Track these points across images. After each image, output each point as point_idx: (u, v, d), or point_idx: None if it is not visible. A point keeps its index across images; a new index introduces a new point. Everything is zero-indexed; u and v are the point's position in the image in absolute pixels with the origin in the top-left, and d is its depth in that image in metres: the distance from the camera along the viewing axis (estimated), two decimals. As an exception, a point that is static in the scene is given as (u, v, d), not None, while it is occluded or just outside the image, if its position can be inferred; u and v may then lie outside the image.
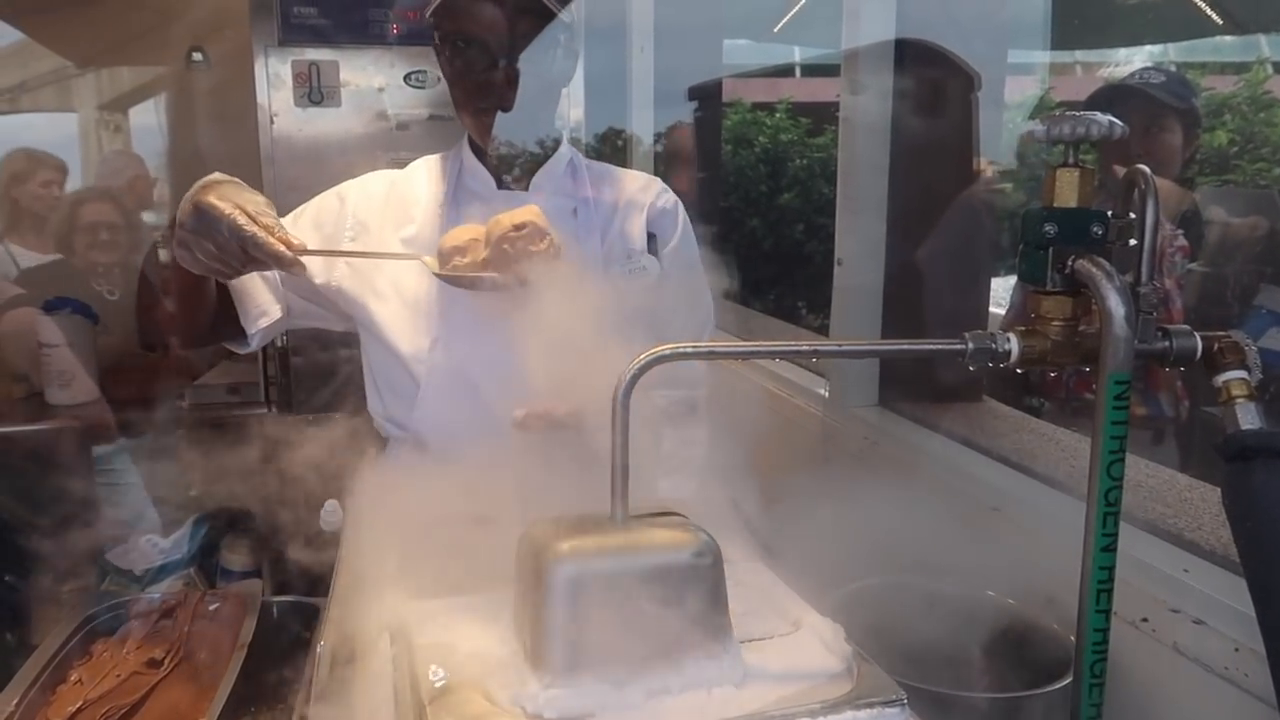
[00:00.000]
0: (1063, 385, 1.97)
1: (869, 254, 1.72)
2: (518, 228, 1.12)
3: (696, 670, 0.79)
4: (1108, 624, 0.82)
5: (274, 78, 2.67)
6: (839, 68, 1.78)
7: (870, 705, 0.77)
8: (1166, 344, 0.85)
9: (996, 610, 1.14)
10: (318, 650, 0.87)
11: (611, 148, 4.05)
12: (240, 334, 1.34)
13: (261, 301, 1.34)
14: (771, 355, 1.20)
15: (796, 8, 4.98)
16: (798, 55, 7.49)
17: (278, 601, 1.15)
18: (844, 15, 1.72)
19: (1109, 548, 0.81)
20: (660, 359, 0.83)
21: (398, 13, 2.73)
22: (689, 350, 0.89)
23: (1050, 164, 0.87)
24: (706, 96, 3.36)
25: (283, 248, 1.08)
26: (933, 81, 1.64)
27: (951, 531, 1.25)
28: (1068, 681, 0.96)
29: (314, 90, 2.69)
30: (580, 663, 0.77)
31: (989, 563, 1.20)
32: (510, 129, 1.40)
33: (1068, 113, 0.85)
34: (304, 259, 1.14)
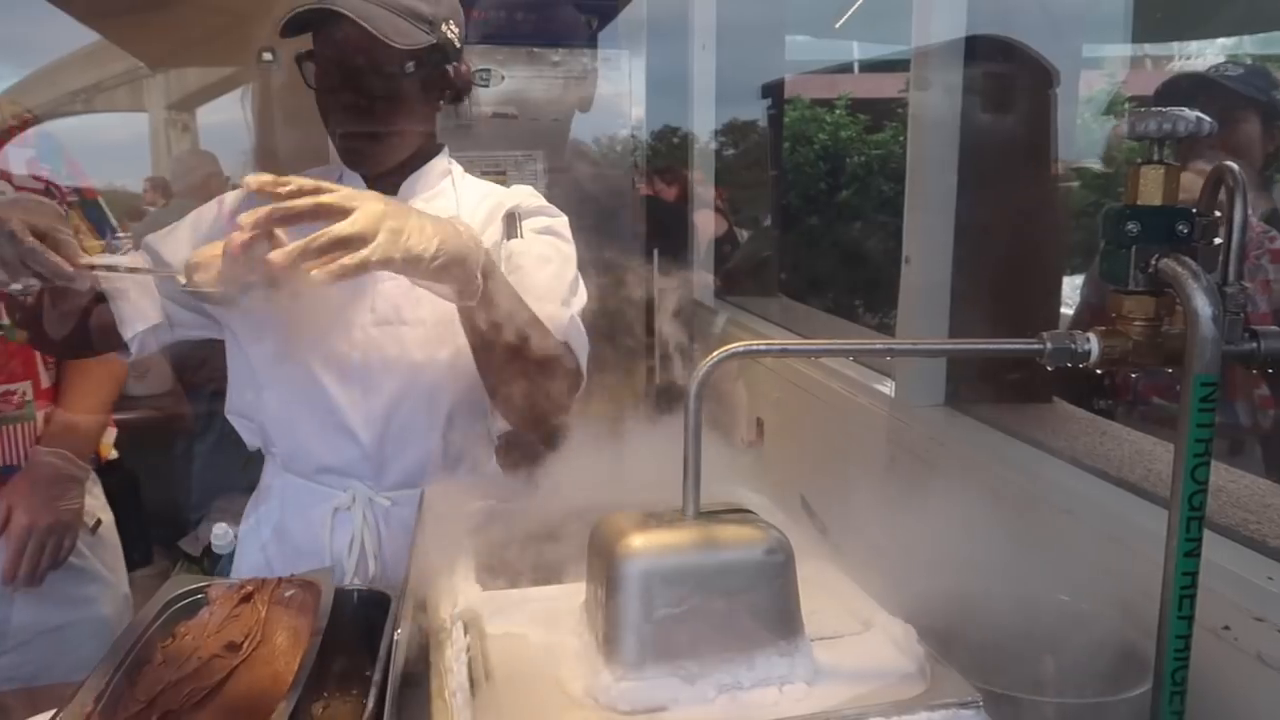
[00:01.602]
0: (1131, 389, 1.93)
1: (937, 252, 1.70)
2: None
3: (768, 666, 0.79)
4: (1190, 631, 0.80)
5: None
6: (899, 64, 1.77)
7: (945, 707, 0.76)
8: (1254, 345, 0.82)
9: (1069, 615, 1.12)
10: (394, 638, 0.89)
11: (668, 146, 4.06)
12: (121, 343, 1.34)
13: (140, 308, 1.33)
14: (845, 353, 1.20)
15: (858, 3, 4.93)
16: (856, 51, 7.41)
17: (352, 589, 1.17)
18: (914, 12, 1.70)
19: (1192, 553, 0.79)
20: (732, 355, 0.83)
21: (464, 12, 2.76)
22: (761, 347, 0.89)
23: (1133, 161, 0.86)
24: (777, 94, 3.35)
25: (61, 260, 1.07)
26: (1008, 77, 1.61)
27: (1022, 534, 1.23)
28: (1146, 689, 0.94)
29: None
30: (652, 656, 0.77)
31: (1061, 567, 1.18)
32: (381, 141, 1.38)
33: (1153, 108, 0.83)
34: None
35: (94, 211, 1.70)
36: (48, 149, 1.71)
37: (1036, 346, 0.85)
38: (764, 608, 0.80)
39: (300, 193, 1.02)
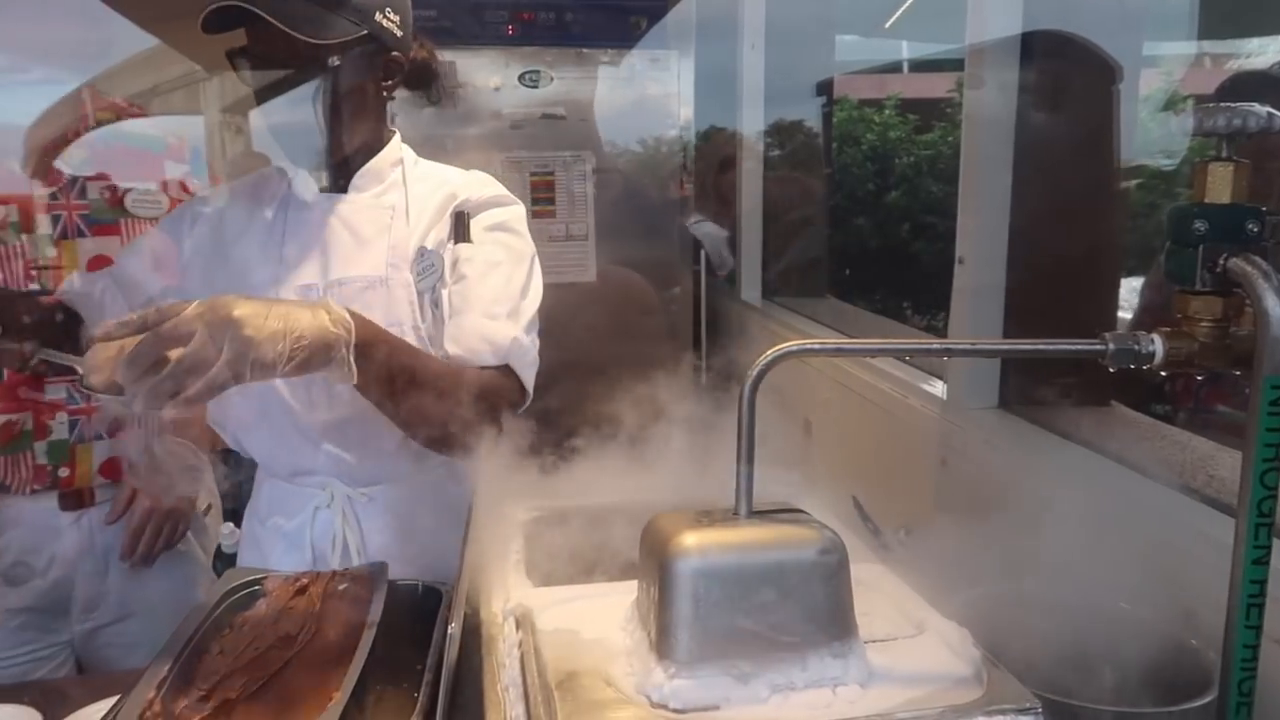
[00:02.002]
0: (1193, 394, 1.88)
1: (991, 252, 1.67)
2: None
3: (821, 667, 0.79)
4: (1258, 640, 0.78)
5: (394, 79, 2.75)
6: (950, 63, 1.75)
7: (1002, 713, 0.75)
8: (1328, 347, 0.80)
9: (1129, 623, 1.10)
10: (448, 632, 0.90)
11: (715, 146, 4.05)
12: None
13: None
14: (901, 353, 1.18)
15: (909, 2, 4.88)
16: (906, 51, 7.34)
17: (403, 583, 1.18)
18: (969, 9, 1.68)
19: (1261, 560, 0.77)
20: (787, 354, 0.83)
21: (513, 13, 2.79)
22: (815, 346, 0.89)
23: (1200, 158, 0.84)
24: (828, 94, 3.33)
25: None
26: (1066, 75, 1.59)
27: (1078, 540, 1.21)
28: (1208, 700, 0.92)
29: (432, 91, 2.76)
30: (705, 655, 0.77)
31: (1120, 573, 1.16)
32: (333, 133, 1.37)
33: (1222, 104, 0.81)
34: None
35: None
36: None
37: (1098, 347, 0.83)
38: (817, 608, 0.80)
39: (143, 326, 0.98)
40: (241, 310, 0.98)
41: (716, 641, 0.77)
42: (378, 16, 1.31)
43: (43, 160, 1.67)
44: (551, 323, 3.00)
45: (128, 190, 1.73)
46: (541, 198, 2.88)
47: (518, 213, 1.45)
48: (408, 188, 1.41)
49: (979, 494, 1.64)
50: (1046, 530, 1.23)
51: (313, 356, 1.04)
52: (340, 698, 0.91)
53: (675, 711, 0.75)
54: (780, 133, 3.38)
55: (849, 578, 0.81)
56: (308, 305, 1.07)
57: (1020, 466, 1.58)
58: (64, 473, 1.67)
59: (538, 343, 1.41)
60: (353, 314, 1.10)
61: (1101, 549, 1.22)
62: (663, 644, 0.78)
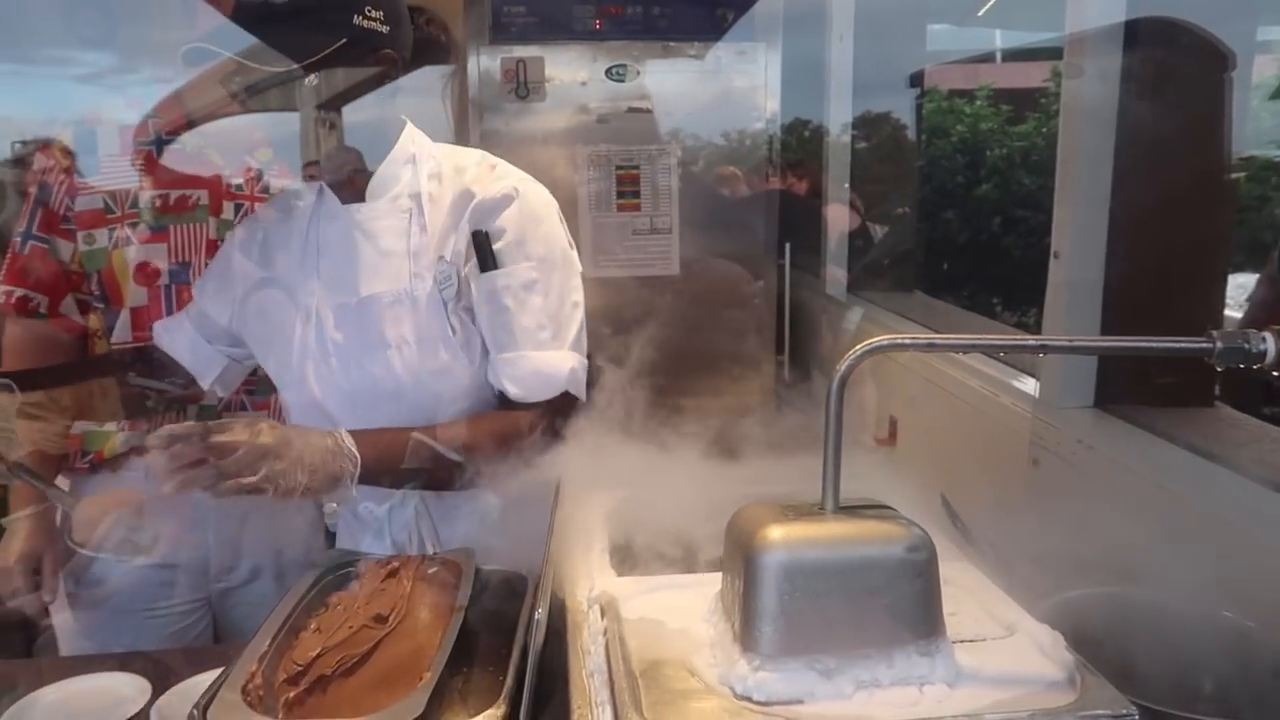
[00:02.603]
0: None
1: (1089, 247, 1.62)
2: None
3: (908, 665, 0.78)
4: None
5: (484, 75, 2.80)
6: (1044, 51, 1.70)
7: (1096, 718, 0.73)
8: None
9: (1232, 632, 1.06)
10: (535, 618, 0.92)
11: (799, 139, 4.00)
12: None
13: (202, 357, 1.49)
14: (993, 349, 1.15)
15: (1004, -11, 4.74)
16: (999, 40, 7.12)
17: (490, 570, 1.20)
18: (1069, -5, 1.63)
19: (1380, 571, 0.73)
20: (875, 349, 0.82)
21: (601, 8, 2.81)
22: (907, 341, 0.87)
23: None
24: (920, 86, 3.27)
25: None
26: (1174, 63, 1.52)
27: (1178, 545, 1.16)
28: (1318, 715, 0.88)
29: (520, 86, 2.81)
30: (789, 648, 0.77)
31: (1223, 581, 1.11)
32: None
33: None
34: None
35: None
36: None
37: (1205, 345, 0.80)
38: (904, 606, 0.79)
39: (194, 433, 1.13)
40: (276, 439, 1.17)
41: (801, 636, 0.77)
42: (357, 20, 1.28)
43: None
44: (636, 314, 3.02)
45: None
46: (626, 191, 2.89)
47: (536, 196, 1.37)
48: (423, 187, 1.38)
49: (1073, 495, 1.59)
50: (1145, 534, 1.19)
51: (322, 487, 1.21)
52: (430, 678, 0.94)
53: (759, 704, 0.76)
54: (868, 125, 3.32)
55: (937, 576, 0.80)
56: (326, 435, 1.23)
57: (1118, 468, 1.53)
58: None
59: (585, 342, 1.40)
60: (359, 439, 1.24)
61: (1204, 555, 1.18)
62: (747, 636, 0.78)
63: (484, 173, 1.38)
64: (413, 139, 1.40)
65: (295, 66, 1.33)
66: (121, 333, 1.65)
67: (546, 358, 1.34)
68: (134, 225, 1.65)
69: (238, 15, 1.29)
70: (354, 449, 1.23)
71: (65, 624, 1.58)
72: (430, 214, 1.36)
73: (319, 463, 1.20)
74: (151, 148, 1.66)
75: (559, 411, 1.34)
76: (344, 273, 1.38)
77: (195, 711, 0.89)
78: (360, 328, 1.36)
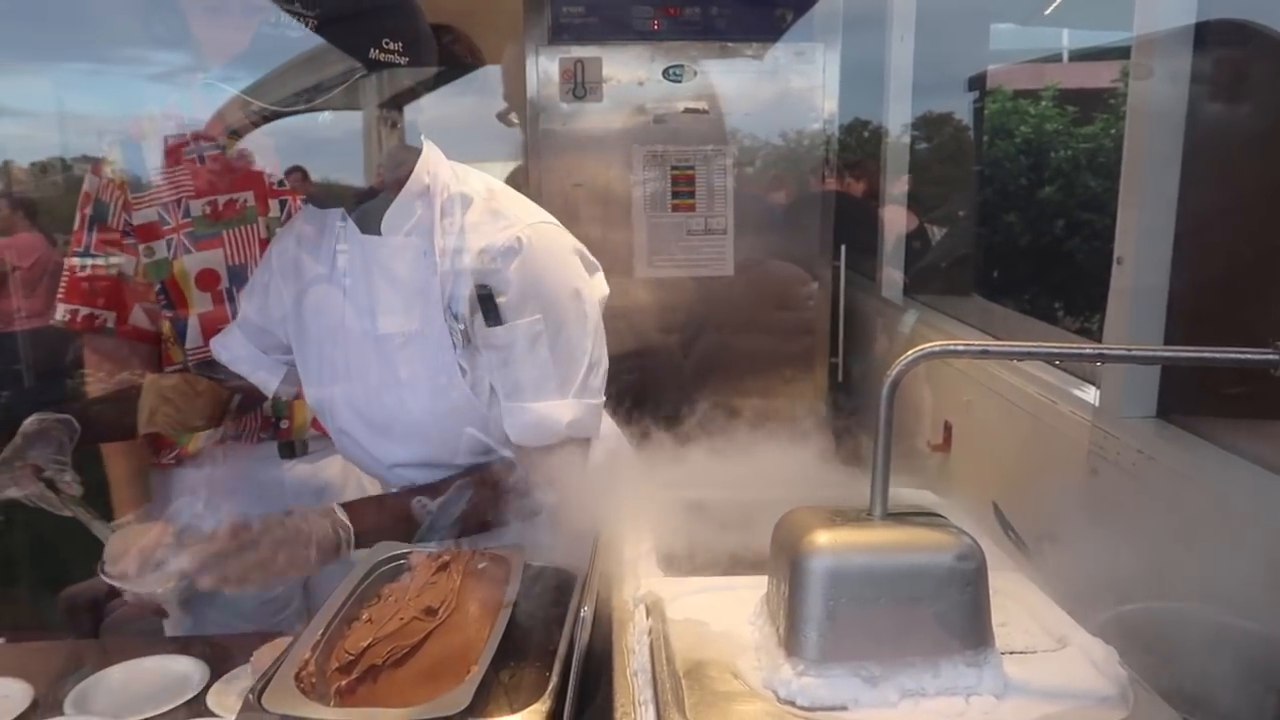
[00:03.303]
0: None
1: (1154, 253, 1.58)
2: None
3: (954, 675, 0.77)
4: None
5: (542, 74, 2.82)
6: (1114, 51, 1.66)
7: (1149, 736, 0.72)
8: None
9: (1296, 652, 1.03)
10: (581, 615, 0.93)
11: (858, 139, 3.96)
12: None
13: (262, 365, 1.57)
14: (1050, 357, 1.13)
15: (1072, -13, 4.64)
16: (1066, 39, 6.97)
17: (538, 566, 1.21)
18: (1137, -6, 1.59)
19: None
20: (928, 355, 0.81)
21: (660, 9, 2.81)
22: (959, 347, 0.86)
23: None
24: (980, 87, 3.21)
25: None
26: (1247, 65, 1.48)
27: (1245, 562, 1.13)
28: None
29: (578, 86, 2.82)
30: (834, 654, 0.77)
31: (1288, 599, 1.08)
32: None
33: None
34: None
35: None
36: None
37: (1271, 357, 0.78)
38: (952, 615, 0.78)
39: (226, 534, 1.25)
40: (288, 531, 1.27)
41: (846, 642, 0.77)
42: (374, 53, 1.28)
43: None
44: (690, 315, 3.01)
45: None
46: (681, 191, 2.89)
47: (539, 248, 1.33)
48: (436, 224, 1.36)
49: (1132, 507, 1.56)
50: (1207, 549, 1.16)
51: (325, 559, 1.30)
52: (477, 671, 0.95)
53: (802, 709, 0.75)
54: (928, 126, 3.28)
55: (986, 586, 0.79)
56: (324, 515, 1.31)
57: (1180, 480, 1.49)
58: (284, 424, 1.81)
59: (597, 382, 1.39)
60: (352, 511, 1.33)
61: (1268, 572, 1.14)
62: (791, 641, 0.78)
63: (487, 219, 1.35)
64: (427, 168, 1.38)
65: (357, 64, 1.34)
66: (193, 339, 1.72)
67: (549, 408, 1.35)
68: (190, 234, 1.70)
69: (255, 46, 1.34)
70: (348, 521, 1.32)
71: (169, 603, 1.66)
72: (440, 254, 1.35)
73: (320, 538, 1.29)
74: (195, 157, 1.72)
75: (569, 454, 1.36)
76: (363, 306, 1.41)
77: (251, 696, 0.92)
78: (379, 363, 1.40)
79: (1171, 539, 1.21)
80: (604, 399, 1.41)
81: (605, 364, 1.41)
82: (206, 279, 1.72)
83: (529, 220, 1.35)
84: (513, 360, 1.34)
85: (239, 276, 1.71)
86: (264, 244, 1.71)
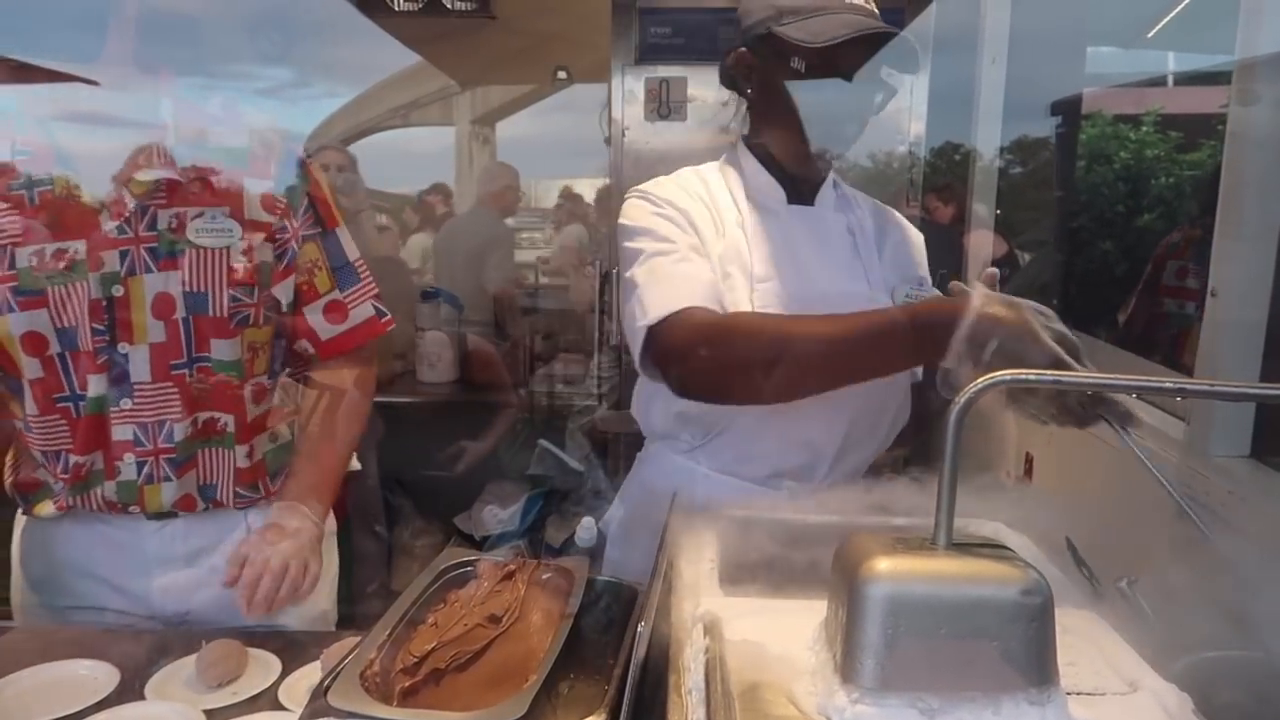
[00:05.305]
0: None
1: (1252, 285, 1.52)
2: None
3: (1016, 713, 0.75)
4: None
5: (628, 93, 2.86)
6: (1223, 75, 1.60)
7: (1222, 789, 0.69)
8: None
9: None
10: (639, 630, 0.93)
11: (948, 163, 3.90)
12: None
13: None
14: (1126, 390, 1.10)
15: (1178, 9, 4.49)
16: (1172, 63, 6.74)
17: (602, 580, 1.23)
18: (1240, 20, 1.54)
19: None
20: (998, 384, 0.80)
21: (746, 30, 2.82)
22: (1031, 378, 0.85)
23: None
24: (1070, 111, 3.14)
25: None
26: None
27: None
28: None
29: (663, 105, 2.85)
30: (891, 684, 0.76)
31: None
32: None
33: None
34: None
35: (332, 242, 1.65)
36: (284, 179, 1.59)
37: (1366, 398, 0.75)
38: (1015, 651, 0.76)
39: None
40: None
41: (904, 672, 0.76)
42: None
43: None
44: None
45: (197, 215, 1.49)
46: (764, 211, 2.88)
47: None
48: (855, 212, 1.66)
49: (1220, 550, 1.49)
50: (1299, 598, 1.11)
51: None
52: (535, 681, 0.97)
53: (856, 738, 0.74)
54: (1019, 150, 3.21)
55: (1053, 623, 0.77)
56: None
57: (1275, 523, 1.42)
58: (134, 510, 1.54)
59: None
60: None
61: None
62: (848, 667, 0.77)
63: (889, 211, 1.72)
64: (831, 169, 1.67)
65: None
66: (31, 407, 1.50)
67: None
68: (14, 288, 1.44)
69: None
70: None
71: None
72: (866, 235, 1.62)
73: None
74: (23, 191, 1.44)
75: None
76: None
77: (318, 692, 0.95)
78: None
79: (1261, 585, 1.15)
80: None
81: None
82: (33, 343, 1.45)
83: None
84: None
85: (70, 340, 1.45)
86: (95, 305, 1.44)
